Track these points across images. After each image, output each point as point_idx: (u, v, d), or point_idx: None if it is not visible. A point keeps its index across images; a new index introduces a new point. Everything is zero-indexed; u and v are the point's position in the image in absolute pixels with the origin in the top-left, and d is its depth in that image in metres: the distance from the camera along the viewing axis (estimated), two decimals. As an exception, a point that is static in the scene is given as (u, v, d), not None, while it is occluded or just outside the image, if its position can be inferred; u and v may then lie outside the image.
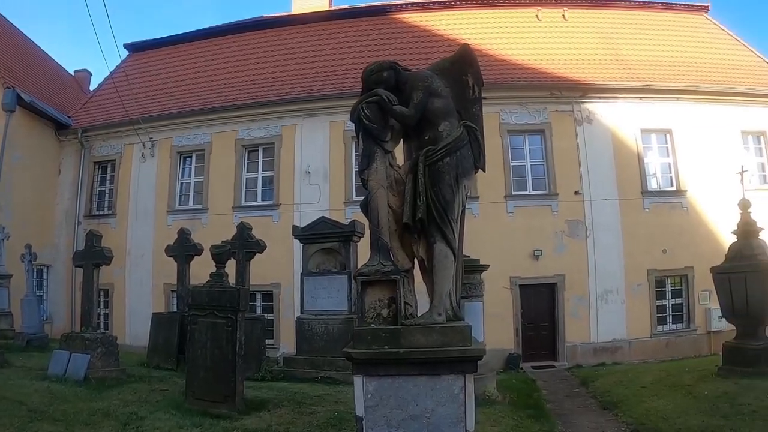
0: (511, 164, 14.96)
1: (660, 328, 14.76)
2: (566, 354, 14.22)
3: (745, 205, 9.24)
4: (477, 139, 4.02)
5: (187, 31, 19.54)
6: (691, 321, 14.89)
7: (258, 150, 16.05)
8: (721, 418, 6.35)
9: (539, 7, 17.66)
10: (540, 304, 14.64)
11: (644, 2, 18.75)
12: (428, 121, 3.93)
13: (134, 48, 19.94)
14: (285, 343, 13.50)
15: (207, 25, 19.79)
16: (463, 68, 4.19)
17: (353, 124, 4.10)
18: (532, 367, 13.56)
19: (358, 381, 3.67)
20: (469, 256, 8.47)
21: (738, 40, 18.45)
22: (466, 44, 4.37)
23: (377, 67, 4.09)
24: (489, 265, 9.46)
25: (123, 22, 55.52)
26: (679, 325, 14.97)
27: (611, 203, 14.63)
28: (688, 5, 19.09)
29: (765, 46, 48.24)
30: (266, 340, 11.02)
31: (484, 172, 4.20)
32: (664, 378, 9.26)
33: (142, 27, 60.67)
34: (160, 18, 61.30)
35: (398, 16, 17.96)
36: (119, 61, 19.61)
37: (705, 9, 19.10)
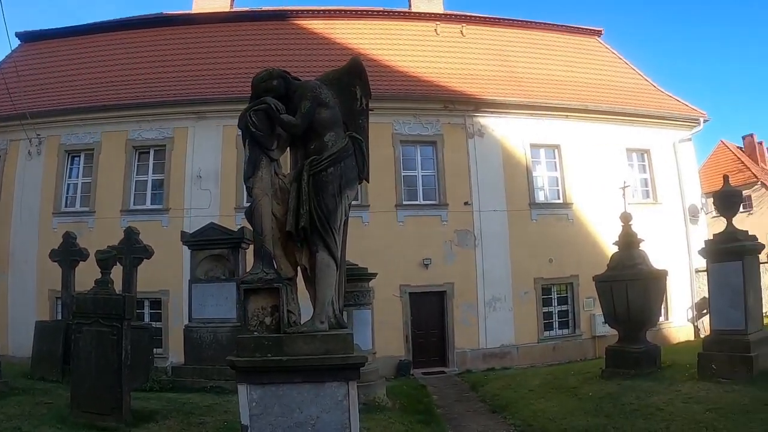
0: (403, 174, 15.67)
1: (547, 333, 15.96)
2: (456, 360, 15.02)
3: (626, 217, 10.25)
4: (362, 150, 4.23)
5: (84, 23, 19.14)
6: (576, 326, 16.20)
7: (149, 152, 15.99)
8: (605, 417, 6.87)
9: (438, 22, 18.70)
10: (430, 312, 15.36)
11: (541, 23, 20.25)
12: (315, 131, 4.10)
13: (26, 37, 19.28)
14: (174, 352, 13.36)
15: (105, 18, 19.57)
16: (352, 80, 4.37)
17: (241, 130, 4.23)
18: (423, 374, 14.13)
19: (242, 389, 3.78)
20: (357, 265, 9.09)
21: (627, 64, 20.34)
22: (357, 56, 4.59)
23: (267, 75, 4.24)
24: (377, 274, 9.95)
25: (16, 9, 53.33)
26: (565, 331, 16.23)
27: (500, 214, 15.71)
28: (582, 28, 20.82)
29: (653, 69, 53.35)
30: (155, 350, 11.04)
31: (368, 182, 4.51)
32: (550, 381, 9.90)
33: (37, 16, 58.38)
34: (56, 7, 59.19)
35: (299, 21, 18.42)
36: (9, 51, 19.04)
37: (598, 33, 20.93)
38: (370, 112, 4.44)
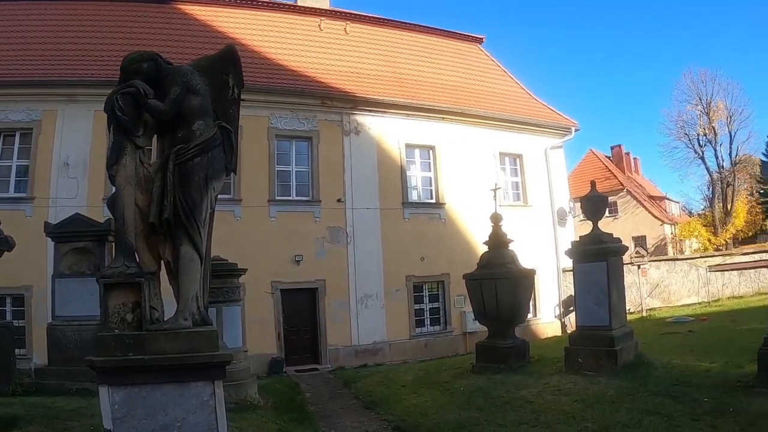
0: (277, 169, 16.45)
1: (419, 330, 17.55)
2: (329, 357, 16.03)
3: (496, 218, 11.30)
4: (231, 140, 4.34)
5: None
6: (447, 323, 17.95)
7: (15, 135, 15.54)
8: (476, 410, 7.40)
9: (323, 18, 19.96)
10: (302, 309, 16.29)
11: (425, 27, 22.10)
12: (183, 119, 4.17)
13: None
14: (38, 352, 12.97)
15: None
16: (226, 68, 4.48)
17: (106, 114, 4.24)
18: (296, 371, 14.88)
19: (103, 391, 3.74)
20: (227, 260, 9.65)
21: (505, 72, 22.80)
22: (232, 44, 4.69)
23: (138, 57, 4.26)
24: (247, 269, 10.53)
25: None
26: (437, 327, 17.94)
27: (373, 212, 17.11)
28: (465, 35, 23.00)
29: (531, 79, 59.82)
30: (17, 350, 10.71)
31: (235, 174, 4.80)
32: (423, 376, 10.58)
33: None
34: None
35: (182, 6, 18.76)
36: None
37: (480, 40, 23.27)
38: (241, 102, 4.60)
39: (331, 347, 16.25)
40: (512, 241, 11.36)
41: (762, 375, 6.72)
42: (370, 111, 17.80)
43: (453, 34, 22.73)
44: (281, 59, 18.10)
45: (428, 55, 21.16)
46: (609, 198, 45.77)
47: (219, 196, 12.33)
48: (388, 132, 17.96)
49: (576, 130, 21.67)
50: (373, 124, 17.82)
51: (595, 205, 9.72)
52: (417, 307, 17.71)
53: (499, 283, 10.33)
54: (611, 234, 9.56)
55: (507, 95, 21.65)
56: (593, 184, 10.05)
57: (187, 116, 4.17)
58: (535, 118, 20.92)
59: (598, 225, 9.52)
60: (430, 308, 18.02)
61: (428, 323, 17.93)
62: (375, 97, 17.88)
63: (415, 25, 22.00)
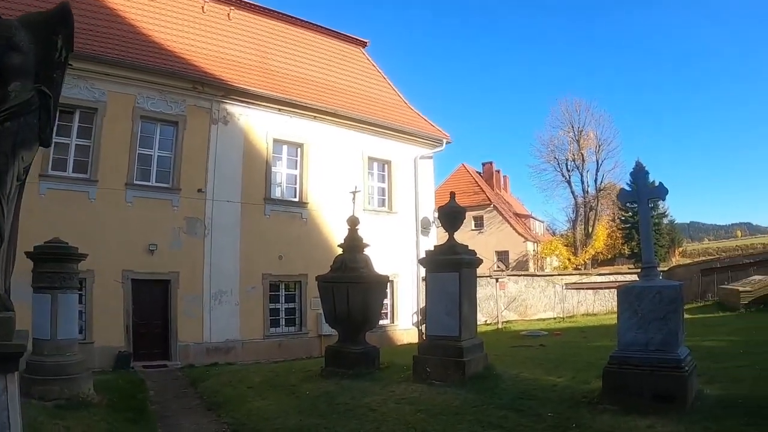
0: (139, 152, 16.85)
1: (273, 330, 18.78)
2: (179, 353, 16.54)
3: (353, 221, 12.00)
4: (49, 108, 4.18)
5: None
6: (303, 324, 19.40)
7: None
8: (319, 416, 7.73)
9: (207, 0, 20.68)
10: (154, 301, 16.71)
11: (310, 23, 23.74)
12: (0, 78, 4.01)
13: None
14: None
15: None
16: (56, 27, 4.31)
17: None
18: (144, 367, 15.18)
19: None
20: (67, 243, 9.72)
21: (385, 78, 25.05)
22: (66, 2, 4.54)
23: None
24: (87, 255, 10.52)
25: None
26: (292, 328, 19.33)
27: (234, 206, 18.14)
28: (350, 37, 24.99)
29: (411, 88, 64.86)
30: None
31: (48, 146, 4.81)
32: (272, 378, 10.99)
33: None
34: None
35: None
36: None
37: (364, 44, 25.40)
38: (69, 67, 4.56)
39: (181, 343, 16.77)
40: (368, 245, 12.09)
41: (607, 392, 7.32)
42: (241, 101, 18.71)
43: (338, 35, 24.63)
44: (156, 37, 18.48)
45: (310, 53, 22.80)
46: (476, 213, 51.23)
47: (73, 175, 13.62)
48: (257, 125, 19.04)
49: (447, 143, 24.31)
50: (243, 115, 18.80)
51: (452, 216, 10.40)
52: (272, 306, 18.93)
53: (352, 287, 10.98)
54: (466, 246, 10.27)
55: (383, 101, 23.84)
56: (452, 195, 10.69)
57: (5, 75, 4.01)
58: (408, 126, 23.17)
59: (454, 236, 10.25)
60: (285, 308, 19.32)
61: (283, 324, 19.22)
62: (248, 87, 18.78)
63: (300, 20, 23.50)
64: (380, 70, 25.30)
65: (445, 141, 24.30)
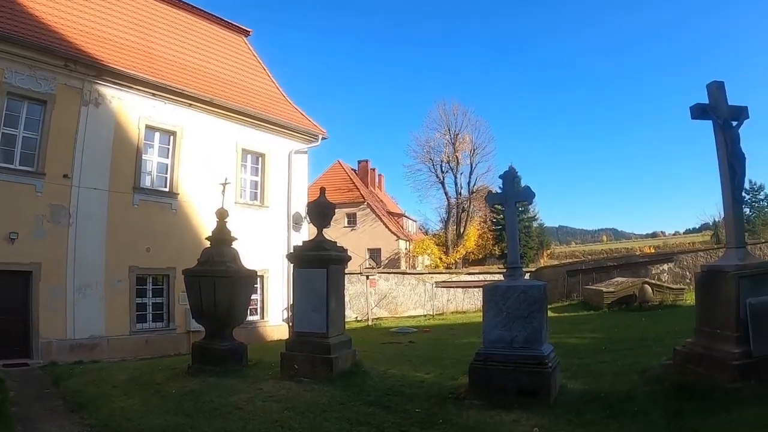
0: (3, 131, 16.29)
1: (140, 326, 18.83)
2: (41, 351, 16.16)
3: (221, 214, 12.15)
4: None
5: None
6: (171, 320, 19.62)
7: None
8: (184, 416, 7.72)
9: None
10: (13, 295, 16.23)
11: (195, 8, 24.12)
12: None
13: None
14: None
15: None
16: None
17: None
18: (4, 366, 14.46)
19: None
20: None
21: (264, 69, 25.91)
22: None
23: None
24: None
25: None
26: (159, 324, 19.47)
27: (101, 193, 18.01)
28: (233, 24, 25.66)
29: (291, 81, 66.33)
30: None
31: None
32: (138, 377, 10.93)
33: None
34: None
35: None
36: None
37: (247, 33, 26.18)
38: None
39: (44, 340, 16.43)
40: (236, 239, 12.36)
41: (473, 387, 7.77)
42: (115, 83, 18.57)
43: (221, 22, 25.25)
44: (30, 8, 17.97)
45: (190, 37, 23.25)
46: (350, 210, 53.33)
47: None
48: (130, 109, 19.01)
49: (323, 138, 25.58)
50: (115, 97, 18.64)
51: (321, 211, 10.72)
52: (139, 300, 19.02)
53: (219, 281, 11.14)
54: (335, 242, 10.64)
55: (261, 93, 24.68)
56: (323, 190, 10.96)
57: None
58: (284, 120, 24.16)
59: (323, 232, 10.62)
60: (153, 303, 19.42)
61: (150, 319, 19.33)
62: (123, 69, 18.65)
63: (185, 3, 23.81)
64: (261, 61, 26.12)
65: (321, 137, 25.49)
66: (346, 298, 14.10)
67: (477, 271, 39.27)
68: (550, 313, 9.00)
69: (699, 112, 8.19)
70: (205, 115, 21.33)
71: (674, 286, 23.94)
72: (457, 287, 32.14)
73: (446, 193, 58.24)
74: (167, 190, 20.28)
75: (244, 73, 24.85)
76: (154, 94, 19.78)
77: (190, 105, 20.82)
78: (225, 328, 11.48)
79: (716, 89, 8.16)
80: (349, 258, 11.13)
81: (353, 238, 48.25)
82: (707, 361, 7.42)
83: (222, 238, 12.05)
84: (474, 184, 58.37)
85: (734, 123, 8.08)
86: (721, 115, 8.01)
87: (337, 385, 8.88)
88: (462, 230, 58.30)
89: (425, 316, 29.86)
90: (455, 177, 58.07)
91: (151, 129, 19.87)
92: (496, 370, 7.63)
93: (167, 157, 20.40)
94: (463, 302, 31.69)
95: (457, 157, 56.67)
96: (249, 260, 12.81)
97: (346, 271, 11.65)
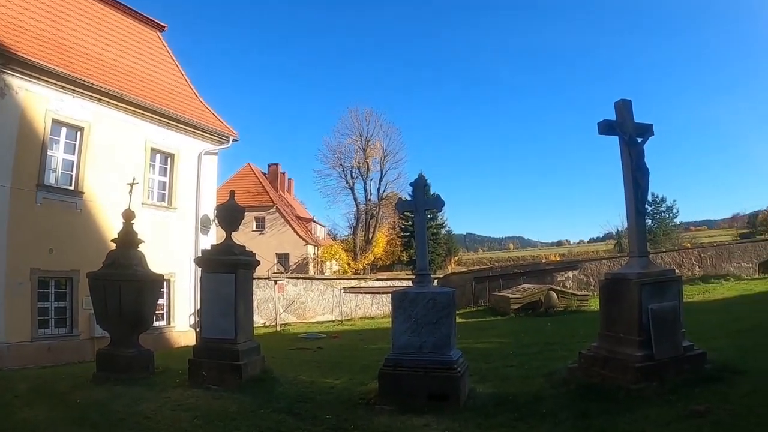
0: None
1: (42, 331, 17.96)
2: None
3: (128, 215, 11.95)
4: None
5: None
6: (74, 326, 18.87)
7: None
8: (90, 427, 7.54)
9: None
10: None
11: (110, -1, 23.20)
12: None
13: None
14: None
15: None
16: None
17: None
18: None
19: None
20: None
21: (177, 67, 25.54)
22: None
23: None
24: None
25: None
26: (63, 330, 18.64)
27: (2, 190, 17.18)
28: (147, 18, 25.18)
29: (205, 81, 65.83)
30: None
31: None
32: (40, 386, 10.49)
33: None
34: None
35: None
36: None
37: (162, 28, 25.75)
38: None
39: None
40: (143, 241, 12.15)
41: (383, 393, 7.90)
42: (23, 73, 17.75)
43: (136, 15, 24.72)
44: None
45: (102, 29, 22.55)
46: (259, 213, 53.14)
47: None
48: (37, 101, 18.21)
49: (234, 141, 25.47)
50: (23, 88, 17.84)
51: (230, 215, 10.67)
52: (41, 305, 18.24)
53: (124, 285, 10.89)
54: (244, 246, 10.55)
55: (173, 91, 24.33)
56: (232, 193, 10.93)
57: None
58: (195, 119, 23.86)
59: (232, 236, 10.59)
60: (56, 307, 18.65)
61: (53, 324, 18.59)
62: (32, 59, 17.85)
63: (100, -7, 22.80)
64: (174, 58, 25.71)
65: (231, 138, 25.36)
66: (255, 304, 13.88)
67: (385, 277, 39.84)
68: (458, 319, 9.21)
69: (606, 128, 8.54)
70: (114, 111, 20.74)
71: (579, 293, 25.08)
72: (365, 293, 32.55)
73: (356, 199, 58.91)
74: (72, 188, 19.56)
75: (156, 70, 24.40)
76: (63, 87, 19.01)
77: (99, 100, 20.19)
78: (131, 334, 11.23)
79: (623, 107, 8.56)
80: (258, 262, 11.13)
81: (262, 242, 48.01)
82: (611, 363, 7.81)
83: (128, 240, 11.81)
84: (384, 191, 59.33)
85: (639, 139, 8.50)
86: (627, 132, 8.41)
87: (247, 393, 8.86)
88: (370, 236, 59.02)
89: (334, 321, 30.11)
90: (365, 183, 58.84)
91: (57, 123, 19.11)
92: (405, 375, 7.81)
93: (73, 154, 19.67)
94: (372, 308, 32.11)
95: (367, 163, 57.37)
96: (156, 263, 12.65)
97: (255, 275, 11.43)
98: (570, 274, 30.31)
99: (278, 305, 28.89)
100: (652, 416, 6.40)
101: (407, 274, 39.51)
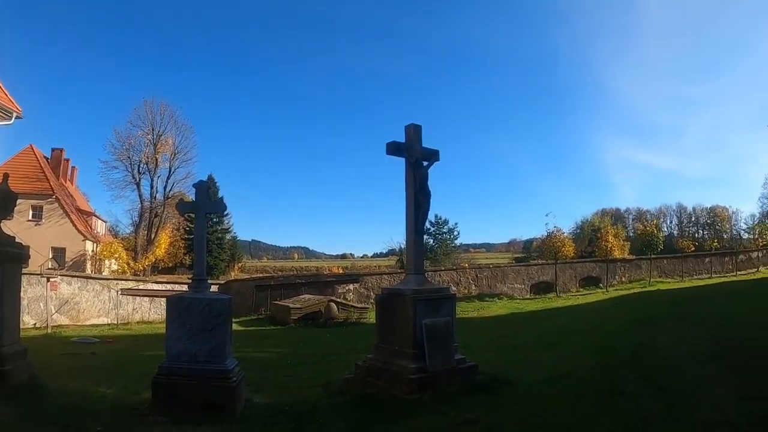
0: None
1: None
2: None
3: None
4: None
5: None
6: None
7: None
8: None
9: None
10: None
11: None
12: None
13: None
14: None
15: None
16: None
17: None
18: None
19: None
20: None
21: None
22: None
23: None
24: None
25: None
26: None
27: None
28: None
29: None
30: None
31: None
32: None
33: None
34: None
35: None
36: None
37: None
38: None
39: None
40: None
41: (157, 403, 7.67)
42: None
43: None
44: None
45: None
46: (36, 202, 49.49)
47: None
48: None
49: (17, 117, 23.94)
50: None
51: (1, 200, 9.57)
52: None
53: None
54: (14, 237, 9.53)
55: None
56: (6, 176, 9.78)
57: None
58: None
59: (1, 225, 9.42)
60: None
61: None
62: None
63: None
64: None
65: (15, 114, 23.82)
66: (24, 302, 13.17)
67: (165, 280, 38.99)
68: (237, 327, 9.51)
69: (394, 149, 8.96)
70: None
71: (359, 305, 26.78)
72: (144, 296, 31.71)
73: (141, 196, 56.90)
74: None
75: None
76: None
77: None
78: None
79: (413, 131, 9.05)
80: (29, 256, 10.41)
81: (37, 234, 44.71)
82: (386, 375, 8.33)
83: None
84: (170, 190, 57.98)
85: (425, 163, 9.00)
86: (414, 155, 8.87)
87: (11, 403, 8.00)
88: (153, 236, 57.36)
89: (109, 325, 28.96)
90: (152, 179, 57.12)
91: None
92: (180, 384, 7.67)
93: None
94: (150, 312, 31.43)
95: (156, 159, 55.79)
96: None
97: (26, 271, 10.84)
98: (351, 286, 32.10)
99: (50, 305, 27.28)
100: (426, 425, 6.84)
101: (189, 278, 38.18)
